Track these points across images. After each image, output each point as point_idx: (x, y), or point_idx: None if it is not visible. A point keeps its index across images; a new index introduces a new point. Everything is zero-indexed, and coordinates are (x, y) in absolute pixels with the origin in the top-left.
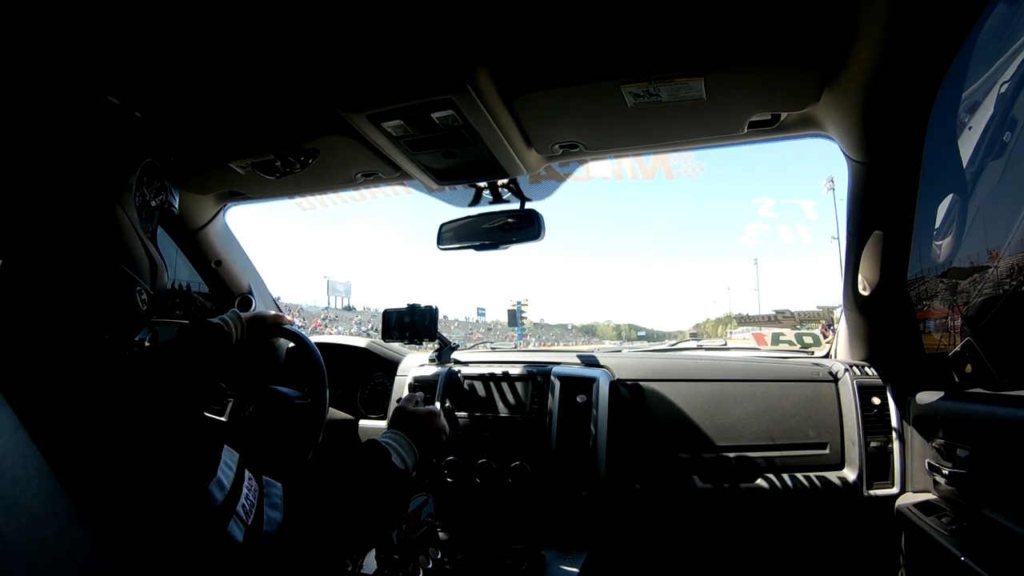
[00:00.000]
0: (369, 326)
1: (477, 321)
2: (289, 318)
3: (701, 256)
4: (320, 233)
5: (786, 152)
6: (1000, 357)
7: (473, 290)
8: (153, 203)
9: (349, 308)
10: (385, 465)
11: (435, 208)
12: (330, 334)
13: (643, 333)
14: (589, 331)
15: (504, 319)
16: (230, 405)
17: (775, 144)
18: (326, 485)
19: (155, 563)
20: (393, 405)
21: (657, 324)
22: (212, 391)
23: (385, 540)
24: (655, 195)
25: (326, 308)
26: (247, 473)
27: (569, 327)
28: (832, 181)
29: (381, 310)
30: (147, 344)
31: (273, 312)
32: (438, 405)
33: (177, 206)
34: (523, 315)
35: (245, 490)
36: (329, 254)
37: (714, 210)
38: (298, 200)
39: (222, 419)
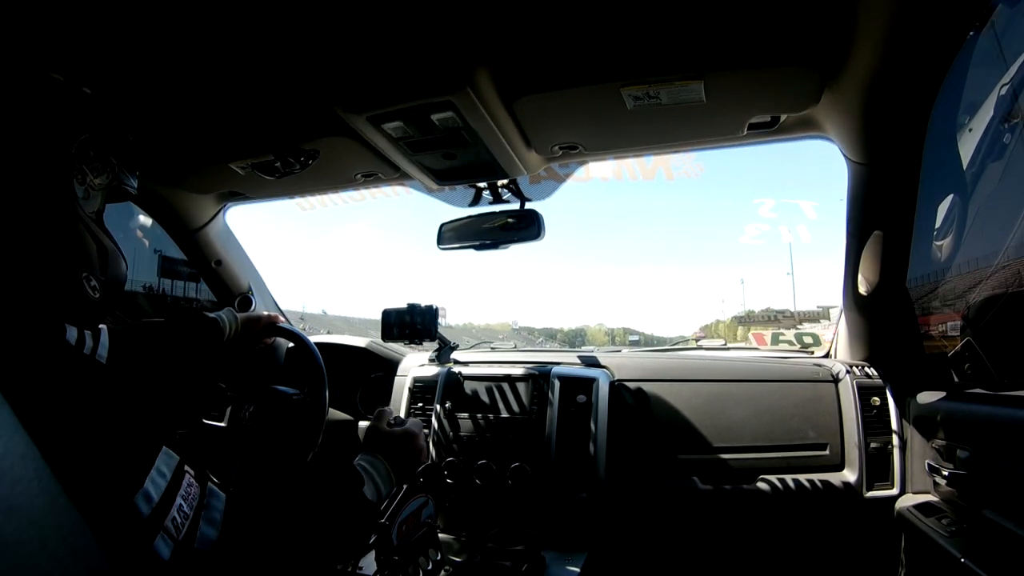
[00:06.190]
0: None
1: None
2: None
3: (702, 258)
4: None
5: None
6: (1000, 357)
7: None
8: (95, 182)
9: None
10: (355, 495)
11: (400, 228)
12: None
13: (636, 338)
14: (579, 335)
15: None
16: (229, 410)
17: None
18: (279, 505)
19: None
20: (393, 406)
21: (654, 328)
22: (212, 393)
23: (357, 553)
24: (650, 195)
25: None
26: (187, 479)
27: (553, 331)
28: None
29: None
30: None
31: (268, 312)
32: (433, 412)
33: (135, 188)
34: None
35: (179, 500)
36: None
37: (712, 210)
38: (298, 200)
39: (221, 425)
